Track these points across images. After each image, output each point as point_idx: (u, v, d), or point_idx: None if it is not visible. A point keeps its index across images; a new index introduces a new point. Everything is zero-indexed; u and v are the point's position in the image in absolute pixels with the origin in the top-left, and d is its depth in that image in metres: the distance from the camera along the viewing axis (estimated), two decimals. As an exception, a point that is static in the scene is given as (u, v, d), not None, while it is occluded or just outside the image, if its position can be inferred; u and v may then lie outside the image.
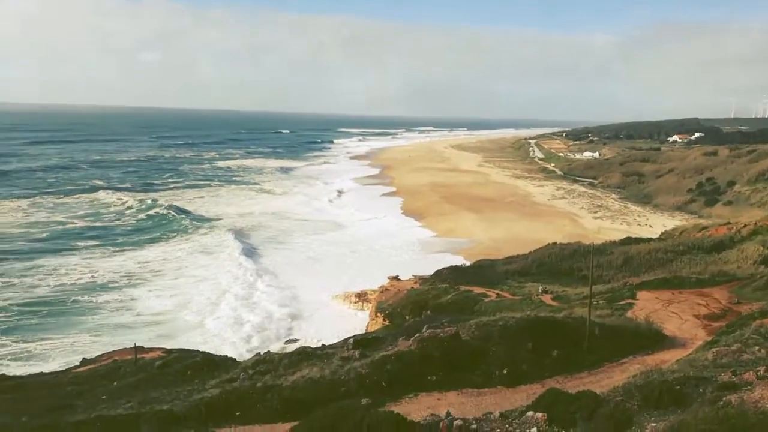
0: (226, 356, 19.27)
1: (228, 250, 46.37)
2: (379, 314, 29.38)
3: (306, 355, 16.20)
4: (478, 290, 28.81)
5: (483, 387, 12.98)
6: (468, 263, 38.62)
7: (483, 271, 34.43)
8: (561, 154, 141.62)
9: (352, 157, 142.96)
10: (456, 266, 36.35)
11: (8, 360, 26.34)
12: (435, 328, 14.91)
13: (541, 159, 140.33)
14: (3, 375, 19.73)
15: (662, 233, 45.05)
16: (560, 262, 35.15)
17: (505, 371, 13.56)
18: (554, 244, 38.91)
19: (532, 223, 57.95)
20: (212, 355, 18.67)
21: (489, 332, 14.99)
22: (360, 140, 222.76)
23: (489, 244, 48.88)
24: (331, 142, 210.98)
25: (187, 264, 42.83)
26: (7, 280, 37.37)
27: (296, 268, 42.26)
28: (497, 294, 28.27)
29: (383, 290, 32.60)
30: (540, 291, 27.39)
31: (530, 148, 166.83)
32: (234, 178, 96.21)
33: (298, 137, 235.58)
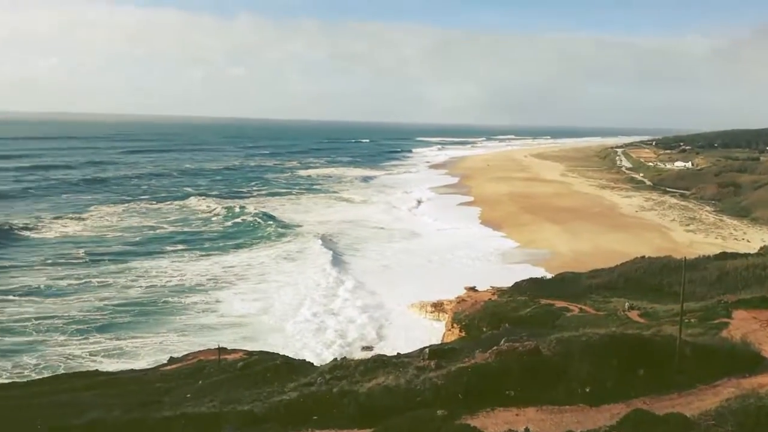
0: (304, 360, 19.63)
1: (310, 257, 47.44)
2: (455, 325, 29.06)
3: (381, 362, 16.20)
4: (559, 304, 27.92)
5: (564, 404, 12.48)
6: (549, 276, 37.52)
7: (565, 285, 33.33)
8: (650, 164, 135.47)
9: (430, 166, 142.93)
10: (536, 278, 35.42)
11: (102, 356, 27.99)
12: (513, 342, 14.52)
13: (628, 168, 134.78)
14: (97, 371, 21.02)
15: (761, 248, 42.02)
16: (649, 277, 33.48)
17: (587, 389, 12.98)
18: (642, 257, 37.08)
19: (618, 236, 55.67)
20: (291, 358, 19.07)
21: (571, 348, 14.42)
22: (439, 149, 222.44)
23: (571, 256, 47.36)
24: (410, 151, 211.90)
25: (269, 269, 44.11)
26: (103, 280, 39.84)
27: (373, 276, 42.62)
28: (580, 308, 27.29)
29: (460, 301, 32.22)
30: (626, 307, 26.17)
31: (617, 157, 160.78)
32: (314, 187, 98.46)
33: (378, 146, 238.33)
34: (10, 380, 24.08)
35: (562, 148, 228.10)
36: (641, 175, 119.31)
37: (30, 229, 55.21)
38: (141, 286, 38.99)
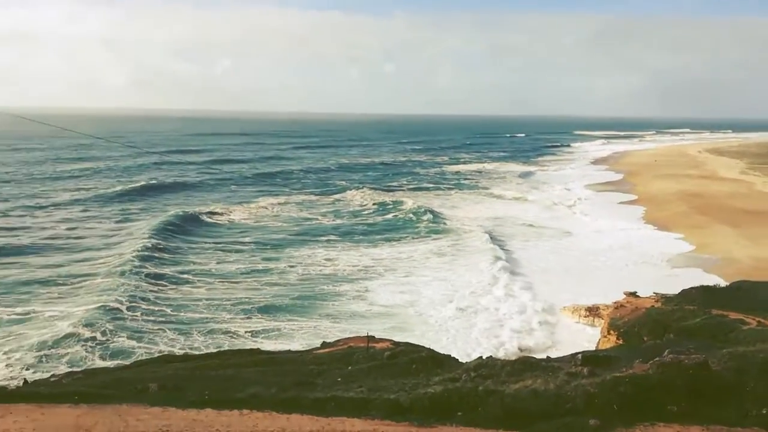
0: (449, 355, 19.53)
1: (459, 252, 47.35)
2: (612, 332, 27.27)
3: (529, 365, 15.63)
4: (734, 315, 25.04)
5: (735, 426, 11.17)
6: (723, 284, 33.91)
7: (742, 295, 29.81)
8: None
9: (590, 162, 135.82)
10: (708, 286, 32.07)
11: (261, 336, 30.13)
12: (678, 354, 13.24)
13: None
14: (258, 349, 22.66)
15: None
16: None
17: (764, 411, 11.50)
18: (840, 269, 32.21)
19: (809, 244, 48.87)
20: (436, 352, 19.07)
21: (746, 364, 12.86)
22: (602, 143, 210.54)
23: (750, 263, 42.37)
24: (569, 145, 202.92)
25: (418, 263, 44.67)
26: (265, 266, 42.91)
27: (521, 275, 41.41)
28: (758, 322, 24.25)
29: (618, 306, 30.17)
30: (817, 324, 22.83)
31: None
32: (463, 182, 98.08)
33: (534, 141, 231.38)
34: (183, 351, 26.90)
35: (743, 143, 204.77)
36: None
37: (206, 217, 61.12)
38: (297, 273, 41.41)
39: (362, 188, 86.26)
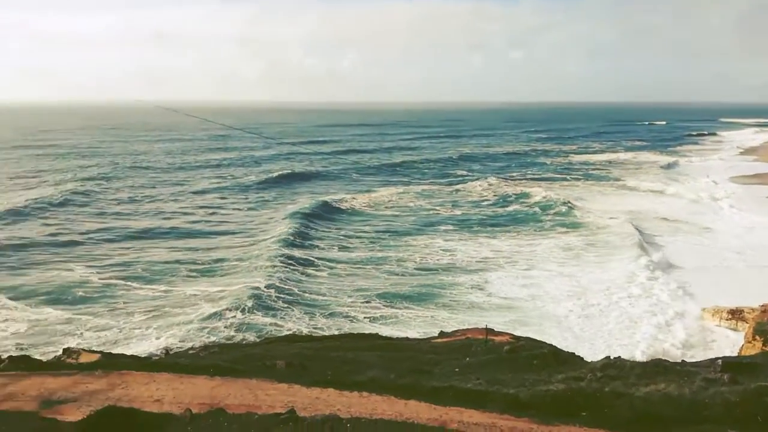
0: (573, 353, 18.77)
1: (589, 247, 45.34)
2: (758, 337, 24.83)
3: (662, 368, 14.64)
4: None
5: None
6: None
7: None
8: None
9: (737, 152, 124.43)
10: None
11: (379, 323, 30.72)
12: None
13: None
14: (377, 334, 23.11)
15: None
16: None
17: None
18: None
19: None
20: (559, 349, 18.40)
21: None
22: (753, 132, 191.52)
23: None
24: (714, 134, 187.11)
25: (541, 256, 43.28)
26: (384, 254, 43.59)
27: (659, 273, 38.68)
28: None
29: (766, 309, 27.44)
30: None
31: None
32: (592, 173, 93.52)
33: (674, 129, 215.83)
34: (308, 331, 28.16)
35: None
36: None
37: (332, 205, 63.30)
38: (415, 262, 41.71)
39: (484, 178, 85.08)
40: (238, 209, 61.80)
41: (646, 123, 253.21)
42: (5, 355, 14.12)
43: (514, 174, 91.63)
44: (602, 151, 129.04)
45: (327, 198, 66.39)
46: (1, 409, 10.37)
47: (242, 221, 55.69)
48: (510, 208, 62.95)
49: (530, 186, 78.11)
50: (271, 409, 10.48)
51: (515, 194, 70.35)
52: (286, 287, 34.96)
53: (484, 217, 58.28)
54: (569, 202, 63.76)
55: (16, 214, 53.93)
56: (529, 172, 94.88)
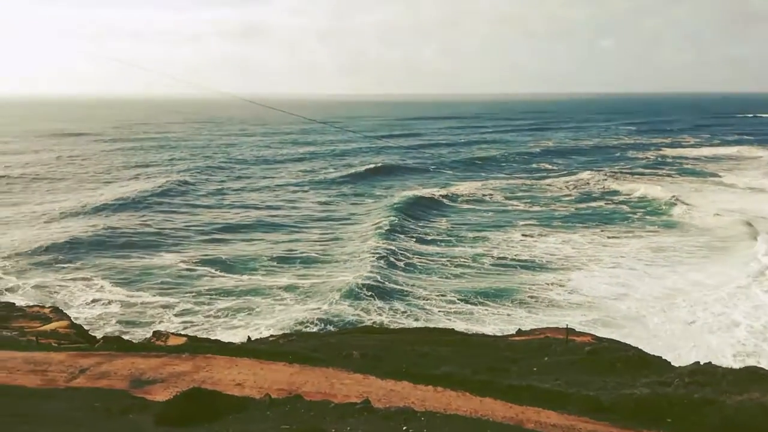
0: (660, 357, 17.90)
1: (683, 247, 43.09)
2: None
3: (759, 376, 13.68)
4: None
5: None
6: None
7: None
8: None
9: None
10: None
11: (454, 317, 30.48)
12: None
13: None
14: (453, 329, 22.96)
15: None
16: None
17: None
18: None
19: None
20: (645, 352, 17.58)
21: None
22: None
23: None
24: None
25: (629, 255, 41.47)
26: (462, 249, 43.21)
27: (753, 278, 36.15)
28: None
29: None
30: None
31: None
32: (687, 167, 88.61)
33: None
34: (385, 323, 28.41)
35: None
36: None
37: (413, 198, 63.32)
38: (493, 257, 41.10)
39: (567, 173, 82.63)
40: (320, 202, 63.09)
41: (750, 115, 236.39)
42: (100, 335, 15.15)
43: (601, 169, 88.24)
44: (699, 145, 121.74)
45: (406, 192, 66.53)
46: (96, 386, 11.10)
47: (324, 215, 56.77)
48: (595, 204, 60.76)
49: (618, 181, 75.02)
50: (346, 399, 10.63)
51: (601, 190, 67.96)
52: (365, 281, 35.33)
53: (567, 214, 56.56)
54: (661, 199, 60.80)
55: (118, 205, 57.57)
56: (617, 166, 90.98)
